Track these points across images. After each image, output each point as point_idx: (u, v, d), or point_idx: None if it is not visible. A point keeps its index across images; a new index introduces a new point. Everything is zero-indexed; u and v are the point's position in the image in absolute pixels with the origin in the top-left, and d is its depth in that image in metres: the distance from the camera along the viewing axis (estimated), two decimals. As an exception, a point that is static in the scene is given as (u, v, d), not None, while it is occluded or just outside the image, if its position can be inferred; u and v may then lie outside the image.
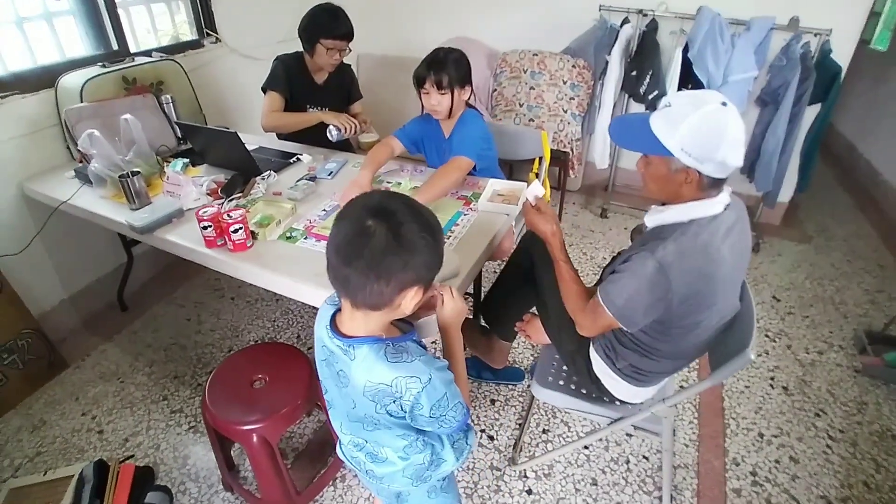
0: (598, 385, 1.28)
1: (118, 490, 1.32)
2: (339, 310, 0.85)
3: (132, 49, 2.23)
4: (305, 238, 1.45)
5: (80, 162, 1.78)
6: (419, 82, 1.64)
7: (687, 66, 2.50)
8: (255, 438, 1.22)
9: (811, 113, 2.55)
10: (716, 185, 1.01)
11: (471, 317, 1.95)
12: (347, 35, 1.94)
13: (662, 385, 1.33)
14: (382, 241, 0.71)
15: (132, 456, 1.66)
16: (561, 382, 1.38)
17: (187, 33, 2.58)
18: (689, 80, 2.54)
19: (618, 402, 1.29)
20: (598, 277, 1.53)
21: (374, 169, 1.71)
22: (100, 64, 1.96)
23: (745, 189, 2.76)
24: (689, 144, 0.95)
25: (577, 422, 1.78)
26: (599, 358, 1.26)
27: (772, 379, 1.96)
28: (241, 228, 1.32)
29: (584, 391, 1.34)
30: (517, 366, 2.00)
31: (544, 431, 1.74)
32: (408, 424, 0.85)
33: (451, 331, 0.96)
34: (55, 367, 2.02)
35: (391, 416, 0.81)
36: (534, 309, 1.51)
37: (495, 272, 2.31)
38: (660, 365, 1.19)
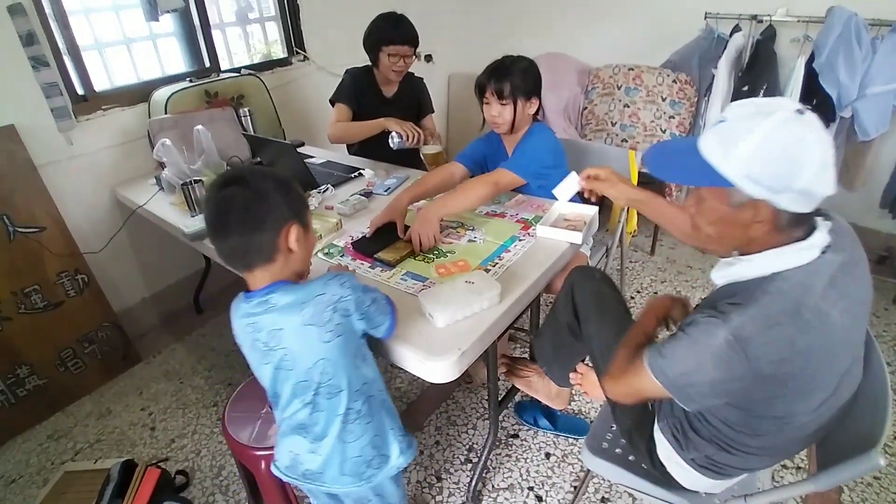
0: (661, 470, 1.02)
1: (139, 494, 1.31)
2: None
3: (224, 66, 2.37)
4: (342, 255, 1.37)
5: (157, 169, 1.88)
6: (480, 91, 1.52)
7: (811, 77, 2.11)
8: (263, 465, 1.14)
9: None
10: (799, 222, 0.76)
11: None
12: (409, 41, 1.87)
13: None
14: (241, 199, 0.83)
15: (167, 459, 1.67)
16: (618, 451, 1.14)
17: (279, 52, 2.71)
18: (813, 94, 2.15)
19: (686, 490, 1.02)
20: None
21: (417, 194, 1.50)
22: (188, 79, 2.08)
23: (887, 227, 2.28)
24: (756, 169, 0.71)
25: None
26: (666, 441, 0.99)
27: (917, 474, 1.52)
28: (273, 241, 1.27)
29: (644, 466, 1.08)
30: (582, 417, 1.75)
31: (603, 500, 1.48)
32: (355, 351, 0.90)
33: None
34: (129, 360, 2.14)
35: (338, 335, 0.86)
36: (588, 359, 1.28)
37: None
38: (746, 461, 0.90)
